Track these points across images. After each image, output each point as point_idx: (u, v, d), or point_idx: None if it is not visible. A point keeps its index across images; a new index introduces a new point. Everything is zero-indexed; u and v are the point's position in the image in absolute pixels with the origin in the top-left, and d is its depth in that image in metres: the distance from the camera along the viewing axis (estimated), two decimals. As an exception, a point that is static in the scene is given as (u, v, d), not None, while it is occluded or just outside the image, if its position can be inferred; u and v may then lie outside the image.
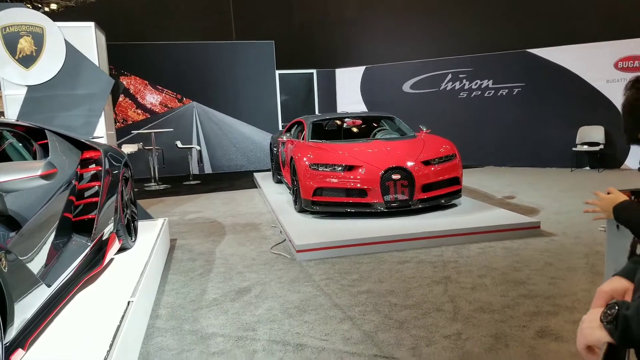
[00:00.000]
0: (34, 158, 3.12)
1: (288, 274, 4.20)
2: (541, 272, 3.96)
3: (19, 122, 3.38)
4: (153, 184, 9.76)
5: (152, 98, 11.22)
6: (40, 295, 2.39)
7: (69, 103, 5.58)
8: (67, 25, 5.73)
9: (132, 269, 3.55)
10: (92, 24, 5.73)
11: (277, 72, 11.73)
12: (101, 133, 5.73)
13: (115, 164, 3.95)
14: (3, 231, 2.16)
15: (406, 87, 11.25)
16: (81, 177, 3.53)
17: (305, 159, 5.85)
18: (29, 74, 5.49)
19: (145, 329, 3.23)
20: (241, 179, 10.23)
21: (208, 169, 11.56)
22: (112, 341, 2.44)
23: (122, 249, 4.01)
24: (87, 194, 3.46)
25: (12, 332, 2.06)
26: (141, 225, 4.99)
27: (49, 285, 2.51)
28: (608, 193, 1.89)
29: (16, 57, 5.43)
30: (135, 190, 9.15)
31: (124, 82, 10.98)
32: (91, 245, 3.26)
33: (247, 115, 11.63)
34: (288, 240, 4.99)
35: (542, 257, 4.36)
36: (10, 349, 2.05)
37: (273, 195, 7.38)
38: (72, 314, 2.79)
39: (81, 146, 3.71)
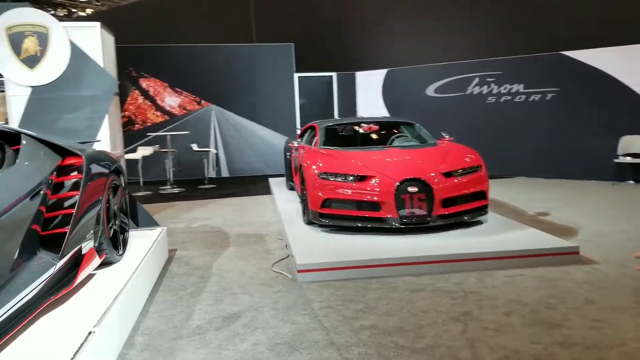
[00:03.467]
0: (1, 164, 2.81)
1: (285, 299, 3.79)
2: (580, 312, 3.41)
3: (-9, 126, 3.09)
4: (168, 187, 9.54)
5: (172, 100, 11.03)
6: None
7: (72, 105, 5.34)
8: (73, 25, 5.52)
9: (108, 290, 3.20)
10: (97, 24, 5.47)
11: (296, 74, 11.38)
12: (106, 135, 5.47)
13: (100, 171, 3.63)
14: None
15: (430, 90, 10.71)
16: (57, 186, 3.21)
17: (314, 166, 5.44)
18: (33, 74, 5.27)
19: (115, 361, 2.87)
20: (257, 184, 9.89)
21: (225, 173, 11.29)
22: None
23: (107, 263, 3.69)
24: (61, 204, 3.14)
25: None
26: (138, 234, 4.69)
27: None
28: None
29: (20, 57, 5.22)
30: (149, 193, 9.01)
31: (144, 84, 10.83)
32: (60, 263, 2.93)
33: (266, 118, 11.33)
34: (292, 256, 4.59)
35: (582, 291, 3.80)
36: None
37: (284, 203, 7.00)
38: (17, 346, 2.44)
39: (62, 152, 3.40)
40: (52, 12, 12.41)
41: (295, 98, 11.47)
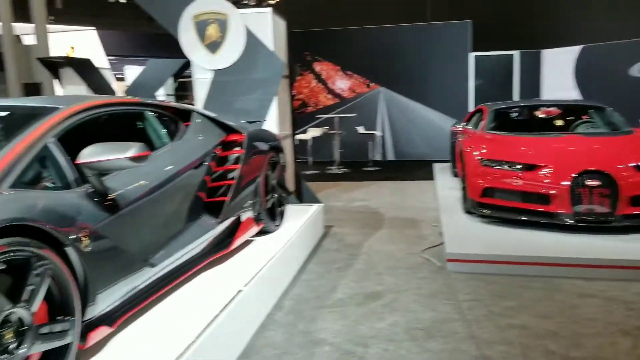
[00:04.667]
0: (172, 138, 3.22)
1: (429, 286, 3.65)
2: None
3: (169, 104, 3.54)
4: (334, 167, 9.92)
5: (342, 83, 11.38)
6: (139, 276, 2.40)
7: (246, 87, 5.84)
8: (247, 11, 5.99)
9: (261, 256, 3.46)
10: (269, 10, 5.86)
11: (472, 54, 10.71)
12: (274, 116, 5.88)
13: (260, 148, 3.92)
14: (95, 211, 2.18)
15: (635, 70, 9.13)
16: (221, 159, 3.56)
17: (476, 152, 5.08)
18: (215, 59, 5.88)
19: (262, 321, 3.10)
20: (421, 169, 9.66)
21: (391, 156, 11.28)
22: (203, 330, 2.33)
23: (264, 232, 3.99)
24: (223, 175, 3.47)
25: (94, 310, 2.07)
26: (298, 208, 4.97)
27: (152, 266, 2.52)
28: None
29: (205, 43, 5.88)
30: (316, 172, 9.50)
31: (318, 68, 11.36)
32: (220, 228, 3.26)
33: (435, 101, 10.94)
34: (444, 244, 4.39)
35: None
36: (92, 326, 2.07)
37: (445, 190, 6.71)
38: (177, 297, 2.78)
39: (227, 129, 3.75)
40: (245, 1, 13.62)
41: (470, 79, 10.83)
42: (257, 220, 3.77)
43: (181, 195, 2.99)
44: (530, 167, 4.66)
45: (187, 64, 6.86)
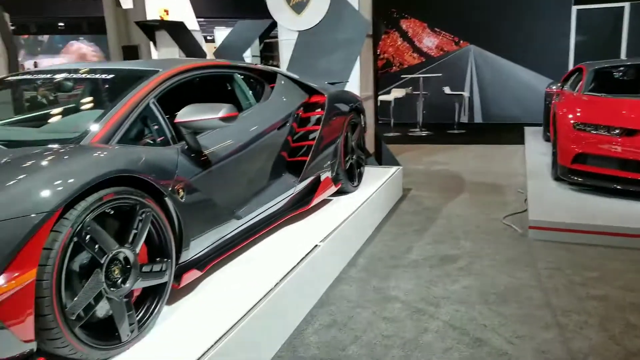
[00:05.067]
0: (258, 99, 3.38)
1: (508, 252, 3.60)
2: None
3: (256, 67, 3.70)
4: (417, 129, 9.76)
5: (429, 41, 10.99)
6: (226, 226, 2.62)
7: (330, 47, 5.86)
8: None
9: (338, 214, 3.59)
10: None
11: (575, 7, 9.82)
12: (355, 77, 5.89)
13: (341, 109, 3.99)
14: (190, 166, 2.40)
15: None
16: (302, 120, 3.68)
17: (570, 115, 4.78)
18: (300, 20, 5.94)
19: (337, 275, 3.26)
20: (511, 133, 9.21)
21: (478, 119, 10.85)
22: (281, 279, 2.53)
23: (342, 192, 4.11)
24: (304, 136, 3.61)
25: (188, 254, 2.31)
26: (377, 170, 5.02)
27: (238, 218, 2.73)
28: None
29: (290, 4, 5.95)
30: (398, 134, 9.42)
31: (404, 25, 11.05)
32: (300, 186, 3.42)
33: (531, 60, 10.23)
34: (527, 210, 4.26)
35: None
36: (185, 269, 2.32)
37: (535, 155, 6.40)
38: (259, 248, 2.99)
39: (309, 91, 3.85)
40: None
41: (571, 36, 10.00)
42: (335, 180, 3.89)
43: (265, 154, 3.16)
44: (630, 132, 4.32)
45: (273, 25, 6.99)
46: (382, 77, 10.32)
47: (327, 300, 2.93)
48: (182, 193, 2.25)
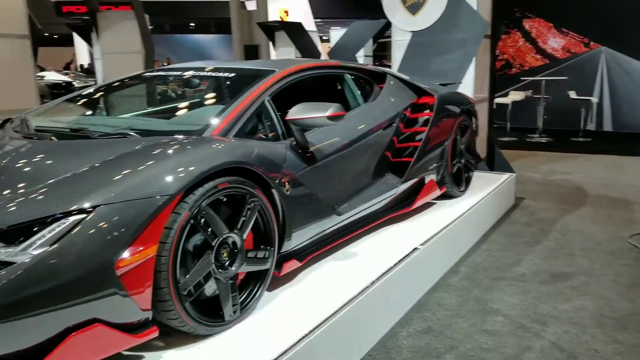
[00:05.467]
0: (366, 99, 3.41)
1: (632, 274, 3.25)
2: None
3: (366, 67, 3.73)
4: (536, 135, 9.14)
5: (554, 42, 10.21)
6: (327, 221, 2.69)
7: (444, 48, 5.71)
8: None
9: (441, 219, 3.51)
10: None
11: None
12: (470, 78, 5.68)
13: (451, 111, 3.88)
14: (296, 161, 2.50)
15: None
16: (409, 121, 3.65)
17: None
18: (415, 20, 5.87)
19: (436, 281, 3.19)
20: (646, 143, 8.31)
21: (608, 127, 9.86)
22: (376, 279, 2.53)
23: (448, 197, 4.00)
24: (410, 137, 3.57)
25: (289, 245, 2.42)
26: (487, 176, 4.82)
27: (339, 214, 2.79)
28: None
29: (406, 5, 5.90)
30: (514, 139, 8.90)
31: (527, 25, 10.40)
32: (402, 187, 3.39)
33: (676, 63, 9.10)
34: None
35: None
36: (286, 258, 2.43)
37: (673, 169, 5.71)
38: (358, 246, 3.01)
39: (418, 91, 3.80)
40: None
41: None
42: (440, 183, 3.79)
43: (369, 153, 3.19)
44: None
45: (387, 26, 7.00)
46: (500, 79, 9.81)
47: (424, 306, 2.88)
48: (287, 186, 2.35)
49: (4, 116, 2.98)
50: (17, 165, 2.06)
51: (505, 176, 4.82)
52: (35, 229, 1.62)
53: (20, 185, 1.86)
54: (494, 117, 6.57)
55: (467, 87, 5.41)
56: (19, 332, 1.52)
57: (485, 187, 4.35)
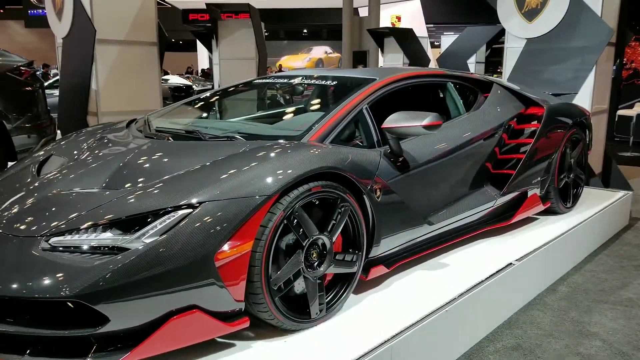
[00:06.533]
0: (469, 108, 3.36)
1: None
2: None
3: (472, 76, 3.67)
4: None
5: (697, 47, 9.10)
6: (418, 230, 2.71)
7: (560, 56, 5.39)
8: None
9: (542, 235, 3.34)
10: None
11: None
12: (588, 88, 5.29)
13: (561, 123, 3.68)
14: (389, 169, 2.56)
15: None
16: (514, 132, 3.52)
17: None
18: (530, 27, 5.60)
19: (531, 299, 3.06)
20: None
21: None
22: (465, 291, 2.50)
23: (552, 212, 3.79)
24: (514, 149, 3.45)
25: (377, 251, 2.48)
26: (599, 193, 4.49)
27: (430, 224, 2.79)
28: None
29: (522, 11, 5.66)
30: (637, 155, 8.08)
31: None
32: (501, 200, 3.29)
33: None
34: None
35: None
36: (373, 263, 2.50)
37: None
38: (450, 257, 2.98)
39: (527, 102, 3.66)
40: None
41: None
42: (544, 198, 3.61)
43: (467, 164, 3.14)
44: None
45: (501, 32, 6.72)
46: (625, 89, 8.96)
47: (515, 323, 2.78)
48: (378, 193, 2.42)
49: (132, 116, 3.41)
50: (139, 162, 2.36)
51: (620, 194, 4.45)
52: (149, 219, 1.86)
53: (140, 180, 2.13)
54: (614, 130, 6.06)
55: (585, 97, 5.06)
56: (130, 311, 1.73)
57: (596, 204, 4.06)
